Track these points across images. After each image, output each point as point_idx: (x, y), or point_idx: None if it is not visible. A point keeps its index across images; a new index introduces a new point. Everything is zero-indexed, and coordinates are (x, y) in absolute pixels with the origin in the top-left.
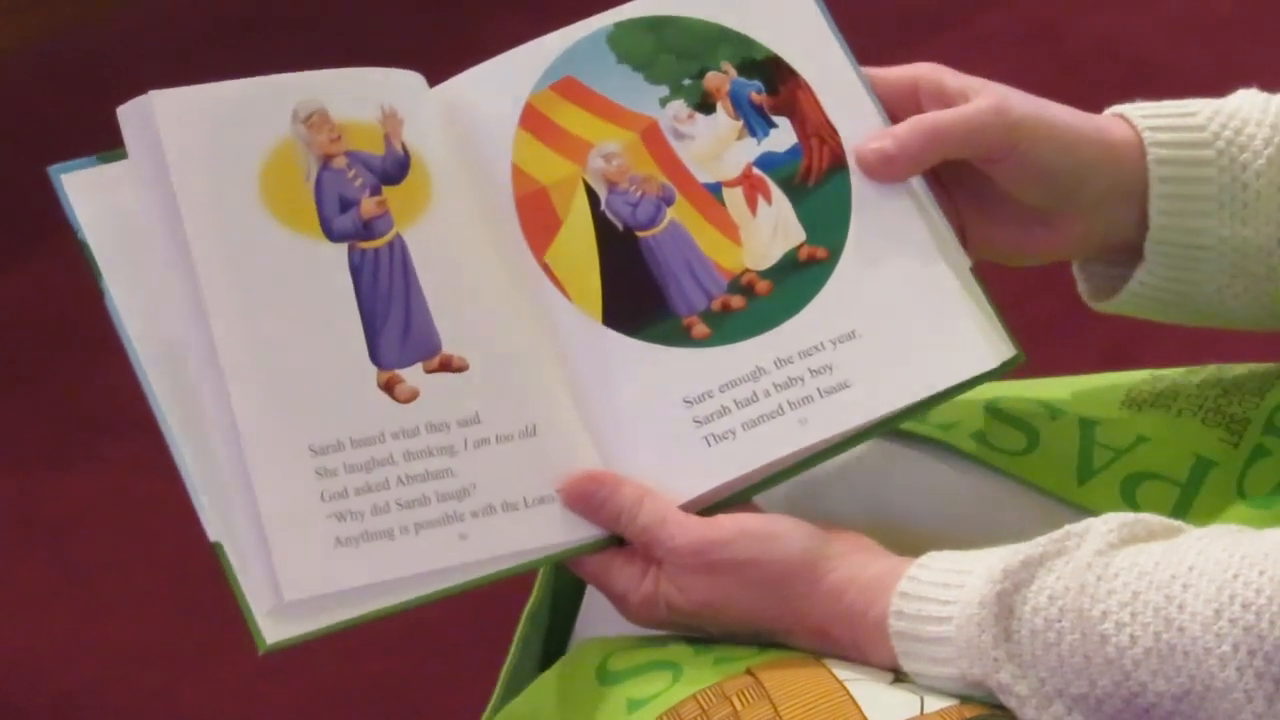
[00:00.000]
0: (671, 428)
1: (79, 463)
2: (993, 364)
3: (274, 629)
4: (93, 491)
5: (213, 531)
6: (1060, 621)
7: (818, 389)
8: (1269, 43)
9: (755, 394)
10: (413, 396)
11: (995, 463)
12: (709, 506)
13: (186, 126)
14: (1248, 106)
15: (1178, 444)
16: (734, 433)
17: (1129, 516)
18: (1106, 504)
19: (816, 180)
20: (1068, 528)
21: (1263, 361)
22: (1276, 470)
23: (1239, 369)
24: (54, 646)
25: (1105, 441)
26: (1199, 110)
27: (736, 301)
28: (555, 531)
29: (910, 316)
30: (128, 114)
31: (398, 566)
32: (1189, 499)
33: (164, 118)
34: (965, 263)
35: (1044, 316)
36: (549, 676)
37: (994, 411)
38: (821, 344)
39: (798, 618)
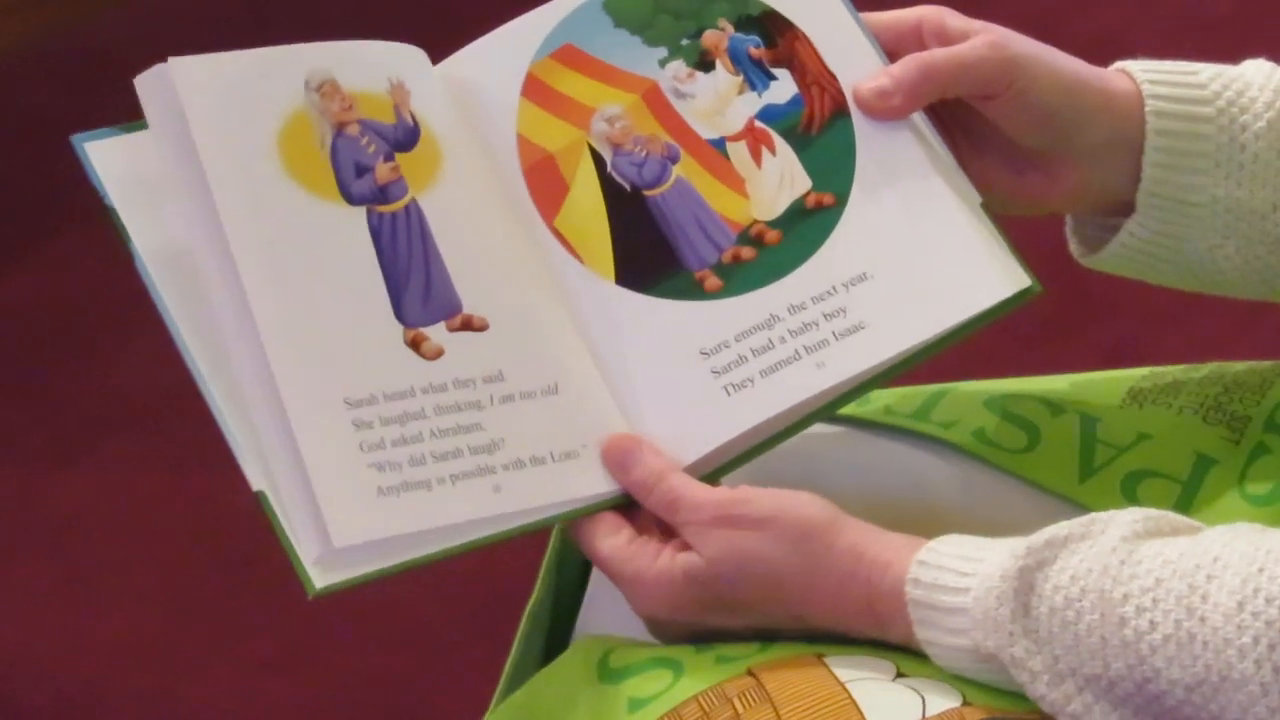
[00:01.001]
0: (690, 380)
1: (79, 461)
2: (1006, 293)
3: (322, 574)
4: (93, 490)
5: (255, 481)
6: (1080, 601)
7: (833, 332)
8: (1269, 43)
9: (771, 341)
10: (438, 353)
11: (996, 460)
12: (727, 462)
13: (206, 92)
14: (1251, 72)
15: (1179, 442)
16: (752, 380)
17: (1154, 511)
18: (1107, 502)
19: (819, 128)
20: (1092, 515)
21: (1264, 359)
22: (1277, 468)
23: (1240, 367)
24: (54, 645)
25: (1106, 439)
26: (1201, 70)
27: (747, 253)
28: (581, 485)
29: (920, 253)
30: (146, 83)
31: (438, 516)
32: (1190, 497)
33: (184, 84)
34: (975, 198)
35: (1045, 314)
36: (550, 672)
37: (995, 409)
38: (834, 288)
39: (815, 576)
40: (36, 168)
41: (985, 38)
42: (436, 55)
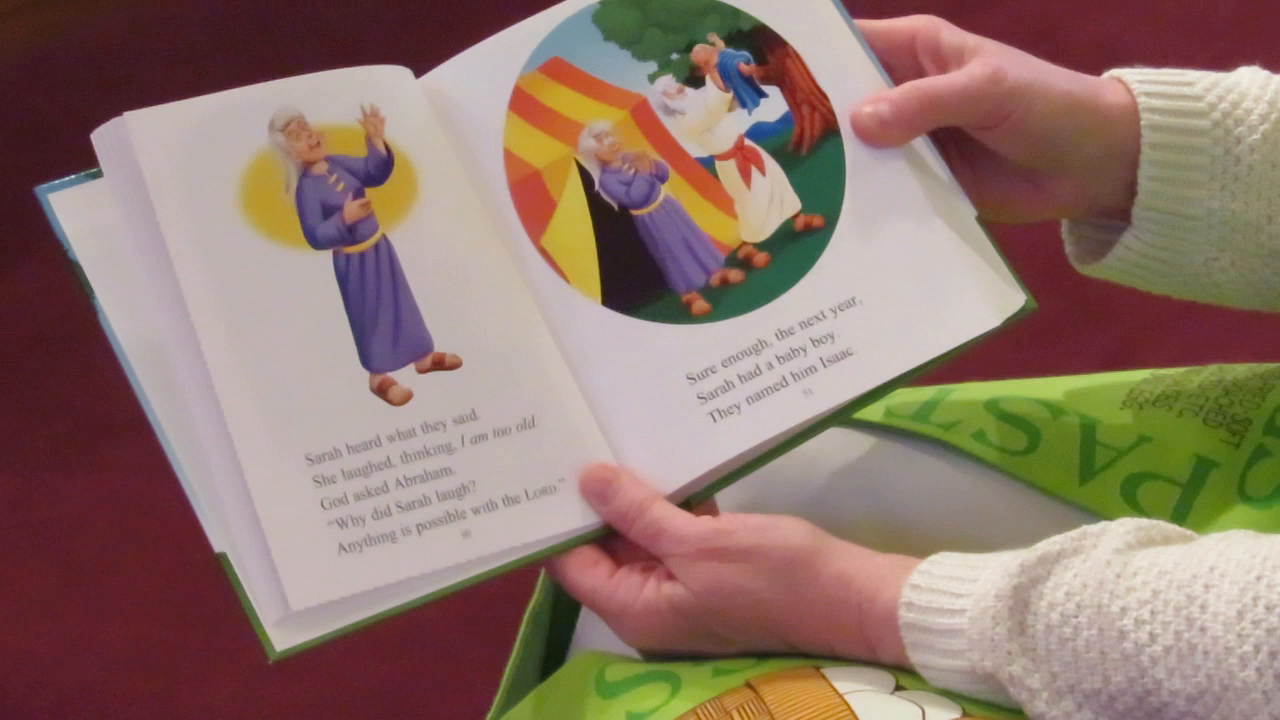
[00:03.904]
0: (675, 405)
1: (80, 466)
2: (995, 322)
3: (283, 637)
4: (93, 494)
5: (217, 543)
6: (1077, 617)
7: (820, 359)
8: (1269, 44)
9: (758, 367)
10: (406, 398)
11: (996, 462)
12: (715, 482)
13: (162, 146)
14: (1247, 81)
15: (1179, 444)
16: (739, 407)
17: (1145, 521)
18: (1107, 504)
19: (809, 147)
20: (1084, 528)
21: (1264, 362)
22: (1277, 471)
23: (1240, 369)
24: (54, 649)
25: (1106, 441)
26: (1197, 81)
27: (735, 275)
28: (558, 521)
29: (910, 279)
30: (103, 137)
31: (402, 569)
32: (1190, 499)
33: (140, 139)
34: (970, 212)
35: (1045, 317)
36: (547, 687)
37: (995, 411)
38: (822, 313)
39: (804, 605)
40: (36, 168)
41: (984, 69)
42: (428, 64)
